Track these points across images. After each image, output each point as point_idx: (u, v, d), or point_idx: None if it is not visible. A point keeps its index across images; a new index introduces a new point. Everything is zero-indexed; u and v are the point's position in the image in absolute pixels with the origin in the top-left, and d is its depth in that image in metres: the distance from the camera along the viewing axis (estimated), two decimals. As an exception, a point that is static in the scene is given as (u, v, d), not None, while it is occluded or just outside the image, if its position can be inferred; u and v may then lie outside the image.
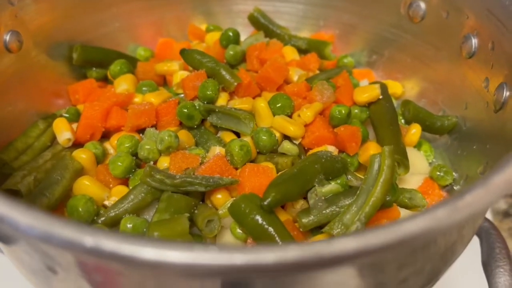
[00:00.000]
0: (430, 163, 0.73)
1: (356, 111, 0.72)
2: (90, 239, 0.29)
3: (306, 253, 0.29)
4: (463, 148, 0.70)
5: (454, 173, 0.69)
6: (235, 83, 0.69)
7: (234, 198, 0.57)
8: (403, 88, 0.82)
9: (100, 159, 0.65)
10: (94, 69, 0.80)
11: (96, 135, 0.68)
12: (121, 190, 0.61)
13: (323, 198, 0.56)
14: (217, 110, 0.67)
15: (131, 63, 0.80)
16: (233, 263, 0.29)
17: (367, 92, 0.72)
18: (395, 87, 0.81)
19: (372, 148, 0.66)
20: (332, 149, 0.64)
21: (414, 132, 0.72)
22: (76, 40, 0.80)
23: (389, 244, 0.30)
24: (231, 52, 0.78)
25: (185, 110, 0.65)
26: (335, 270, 0.34)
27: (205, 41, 0.87)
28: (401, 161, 0.65)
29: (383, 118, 0.70)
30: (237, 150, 0.60)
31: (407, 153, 0.66)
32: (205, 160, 0.62)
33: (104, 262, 0.32)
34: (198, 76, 0.70)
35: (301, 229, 0.56)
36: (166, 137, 0.61)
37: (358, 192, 0.54)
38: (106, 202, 0.60)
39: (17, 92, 0.69)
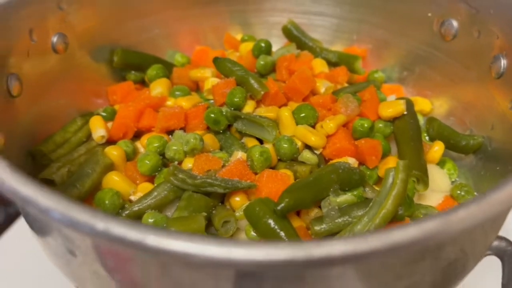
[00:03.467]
0: (452, 182, 0.72)
1: (380, 125, 0.72)
2: (101, 223, 0.32)
3: (296, 252, 0.31)
4: (486, 169, 0.70)
5: (475, 193, 0.68)
6: (262, 92, 0.72)
7: (250, 201, 0.59)
8: (432, 105, 0.82)
9: (131, 156, 0.69)
10: (132, 72, 0.85)
11: (129, 134, 0.72)
12: (147, 186, 0.64)
13: (336, 207, 0.58)
14: (242, 117, 0.70)
15: (167, 68, 0.84)
16: (228, 257, 0.31)
17: (391, 107, 0.73)
18: (423, 104, 0.81)
19: (392, 162, 0.67)
20: (352, 161, 0.66)
21: (436, 149, 0.72)
22: (118, 44, 0.85)
23: (377, 250, 0.31)
24: (262, 62, 0.81)
25: (212, 115, 0.69)
26: (328, 273, 0.36)
27: (239, 50, 0.90)
28: (420, 177, 0.65)
29: (405, 133, 0.70)
30: (257, 156, 0.63)
31: (427, 170, 0.67)
32: (227, 164, 0.65)
33: (113, 246, 0.35)
34: (228, 84, 0.73)
35: (313, 236, 0.58)
36: (192, 140, 0.64)
37: (371, 204, 0.55)
38: (132, 197, 0.64)
39: (60, 89, 0.74)
